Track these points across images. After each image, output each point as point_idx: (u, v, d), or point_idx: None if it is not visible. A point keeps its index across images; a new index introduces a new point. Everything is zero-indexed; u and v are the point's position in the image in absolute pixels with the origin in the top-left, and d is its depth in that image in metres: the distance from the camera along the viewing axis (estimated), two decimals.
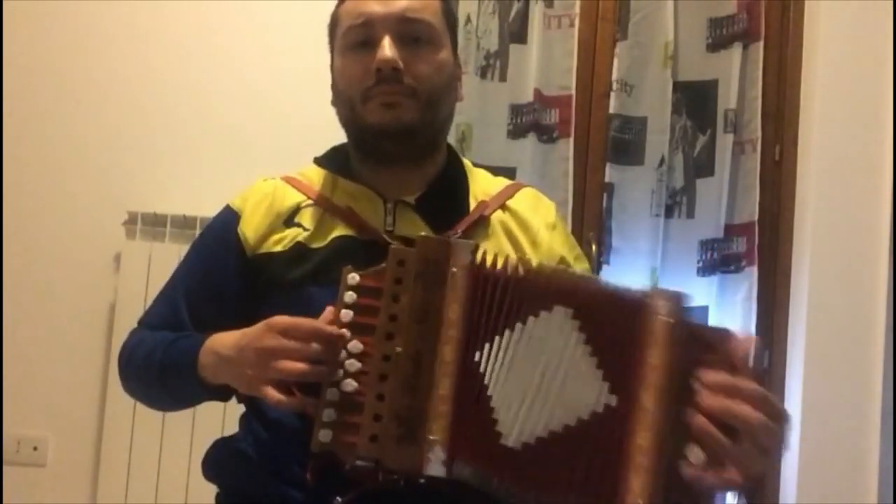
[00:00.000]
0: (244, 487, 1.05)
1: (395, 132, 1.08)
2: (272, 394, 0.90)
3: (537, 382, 0.86)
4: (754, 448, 0.80)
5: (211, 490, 1.11)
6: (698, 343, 0.83)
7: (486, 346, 0.88)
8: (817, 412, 2.17)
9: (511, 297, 0.90)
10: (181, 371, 1.03)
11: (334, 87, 1.15)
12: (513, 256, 0.93)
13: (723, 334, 0.84)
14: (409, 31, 1.08)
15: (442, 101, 1.12)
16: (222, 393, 1.03)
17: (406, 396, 0.86)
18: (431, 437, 0.85)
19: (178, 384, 1.05)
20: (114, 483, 2.18)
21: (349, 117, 1.12)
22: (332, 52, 1.16)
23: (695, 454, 0.79)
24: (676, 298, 0.84)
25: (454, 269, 0.90)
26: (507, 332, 0.88)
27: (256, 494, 1.02)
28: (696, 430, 0.80)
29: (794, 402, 2.22)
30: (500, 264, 0.92)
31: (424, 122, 1.09)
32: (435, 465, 0.84)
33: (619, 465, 0.81)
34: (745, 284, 2.31)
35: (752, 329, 2.28)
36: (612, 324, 0.86)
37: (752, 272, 2.31)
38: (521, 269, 0.91)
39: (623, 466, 0.81)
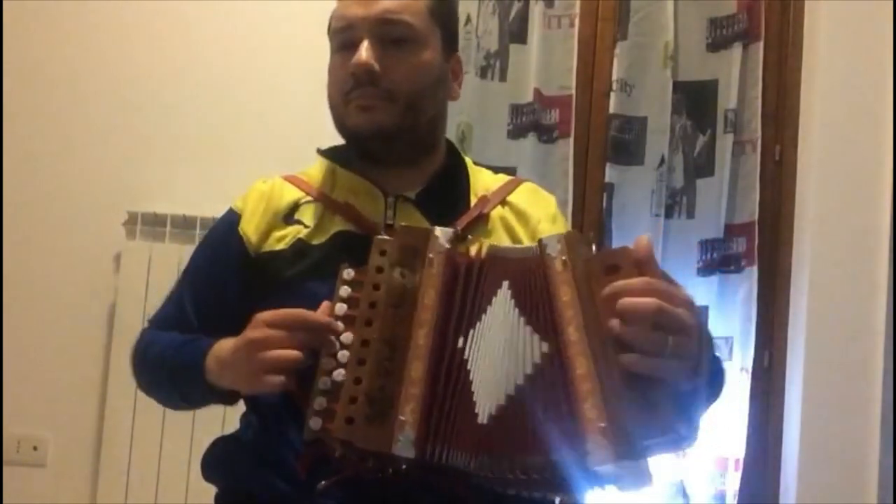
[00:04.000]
0: (242, 483, 1.05)
1: (373, 135, 1.09)
2: (269, 379, 0.90)
3: (499, 358, 0.88)
4: (660, 333, 0.81)
5: (211, 490, 1.11)
6: (600, 267, 0.87)
7: (464, 330, 0.91)
8: (817, 412, 2.17)
9: (482, 281, 0.93)
10: (190, 376, 1.04)
11: (327, 88, 1.16)
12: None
13: (619, 250, 0.88)
14: (388, 33, 1.08)
15: (425, 102, 1.11)
16: (230, 396, 1.05)
17: (379, 379, 0.88)
18: (402, 418, 0.86)
19: (188, 388, 1.08)
20: (114, 483, 2.18)
21: (336, 119, 1.14)
22: None
23: (628, 361, 0.81)
24: (565, 237, 0.90)
25: (431, 255, 0.93)
26: (482, 317, 0.91)
27: (254, 490, 1.03)
28: (619, 336, 0.82)
29: (794, 402, 2.23)
30: (478, 251, 0.95)
31: (404, 126, 1.09)
32: (404, 446, 0.85)
33: (570, 401, 0.83)
34: (745, 284, 2.31)
35: (752, 329, 2.29)
36: (527, 279, 0.90)
37: (752, 272, 2.31)
38: (483, 253, 0.95)
39: (575, 400, 0.83)
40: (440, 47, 1.14)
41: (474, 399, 0.87)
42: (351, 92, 1.08)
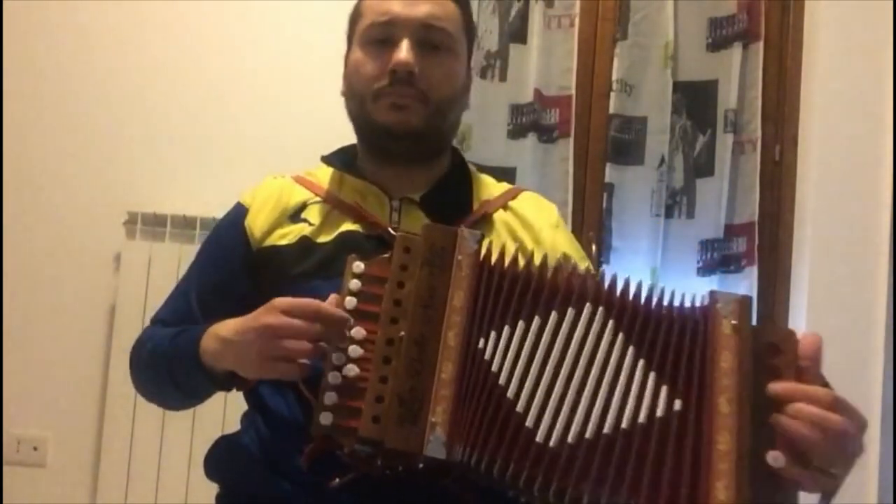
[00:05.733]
0: (245, 484, 1.05)
1: (401, 134, 1.09)
2: (283, 367, 0.90)
3: (571, 379, 0.86)
4: (842, 454, 0.80)
5: (211, 490, 1.11)
6: (765, 345, 0.84)
7: (493, 334, 0.89)
8: None
9: (522, 289, 0.90)
10: (185, 360, 1.03)
11: (346, 79, 1.16)
12: (520, 251, 0.94)
13: (788, 335, 0.85)
14: (429, 37, 1.10)
15: (451, 109, 1.14)
16: (227, 382, 1.03)
17: (409, 379, 0.87)
18: (433, 419, 0.85)
19: (183, 374, 1.05)
20: (114, 483, 2.18)
21: (358, 112, 1.13)
22: (349, 42, 1.17)
23: (775, 458, 0.79)
24: (741, 301, 0.86)
25: (459, 258, 0.91)
26: (520, 324, 0.89)
27: (257, 491, 1.03)
28: (785, 432, 0.79)
29: None
30: (507, 257, 0.93)
31: (431, 128, 1.11)
32: (435, 447, 0.85)
33: (699, 470, 0.81)
34: (745, 284, 2.31)
35: None
36: (660, 327, 0.87)
37: (752, 272, 2.31)
38: (533, 265, 0.92)
39: (705, 472, 0.80)
40: (466, 59, 1.16)
41: (519, 408, 0.85)
42: (385, 88, 1.09)
